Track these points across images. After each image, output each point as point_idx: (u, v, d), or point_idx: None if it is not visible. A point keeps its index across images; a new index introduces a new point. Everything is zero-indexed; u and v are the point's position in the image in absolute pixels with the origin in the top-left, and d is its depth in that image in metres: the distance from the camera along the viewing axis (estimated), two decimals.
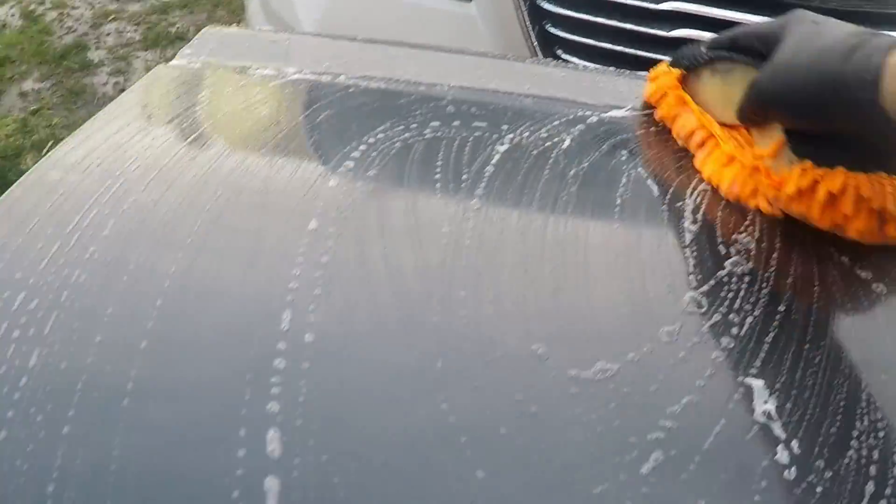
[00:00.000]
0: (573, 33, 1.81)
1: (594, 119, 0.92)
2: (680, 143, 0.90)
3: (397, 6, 1.92)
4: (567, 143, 0.86)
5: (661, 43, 1.79)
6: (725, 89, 0.86)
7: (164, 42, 3.81)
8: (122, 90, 3.44)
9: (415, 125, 0.86)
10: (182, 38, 3.80)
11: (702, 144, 0.87)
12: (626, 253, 0.71)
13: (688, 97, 0.92)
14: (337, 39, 1.10)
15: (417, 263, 0.66)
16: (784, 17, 0.79)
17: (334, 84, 0.94)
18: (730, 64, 0.86)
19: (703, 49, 0.91)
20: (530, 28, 1.81)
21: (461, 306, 0.62)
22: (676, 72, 0.94)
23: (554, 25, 1.82)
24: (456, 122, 0.87)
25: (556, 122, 0.89)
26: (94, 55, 3.80)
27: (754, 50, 0.82)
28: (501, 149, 0.83)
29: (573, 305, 0.64)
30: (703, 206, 0.79)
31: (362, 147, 0.81)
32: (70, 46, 3.84)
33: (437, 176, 0.78)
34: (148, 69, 3.59)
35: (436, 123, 0.86)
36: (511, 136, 0.86)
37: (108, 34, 3.92)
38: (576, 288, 0.66)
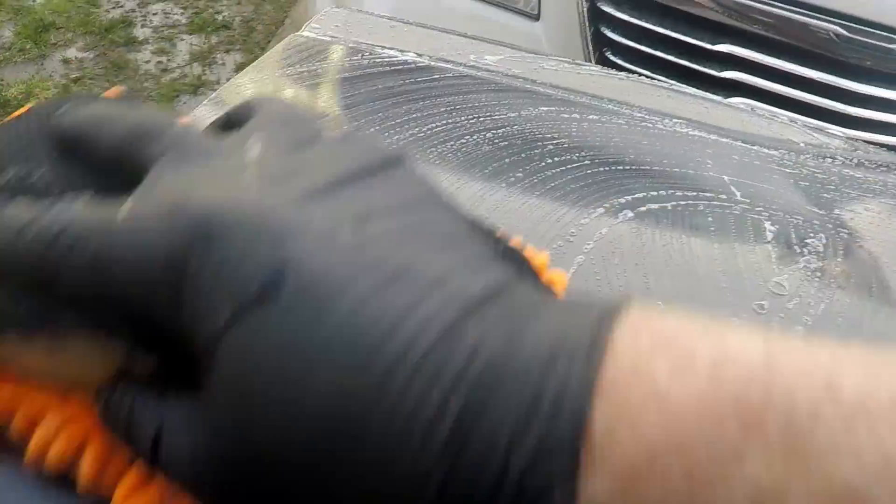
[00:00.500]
0: (634, 64, 1.95)
1: None
2: None
3: (466, 17, 2.05)
4: None
5: (708, 80, 1.93)
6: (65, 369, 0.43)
7: (210, 28, 3.92)
8: (165, 70, 3.56)
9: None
10: (227, 27, 3.91)
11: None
12: None
13: None
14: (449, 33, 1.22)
15: None
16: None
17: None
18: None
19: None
20: (591, 53, 1.95)
21: None
22: None
23: (614, 54, 1.96)
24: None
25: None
26: (140, 32, 3.92)
27: None
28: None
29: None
30: None
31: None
32: (116, 21, 3.95)
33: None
34: (192, 52, 3.70)
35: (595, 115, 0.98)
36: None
37: (155, 14, 4.04)
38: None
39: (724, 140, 1.00)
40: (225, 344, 0.31)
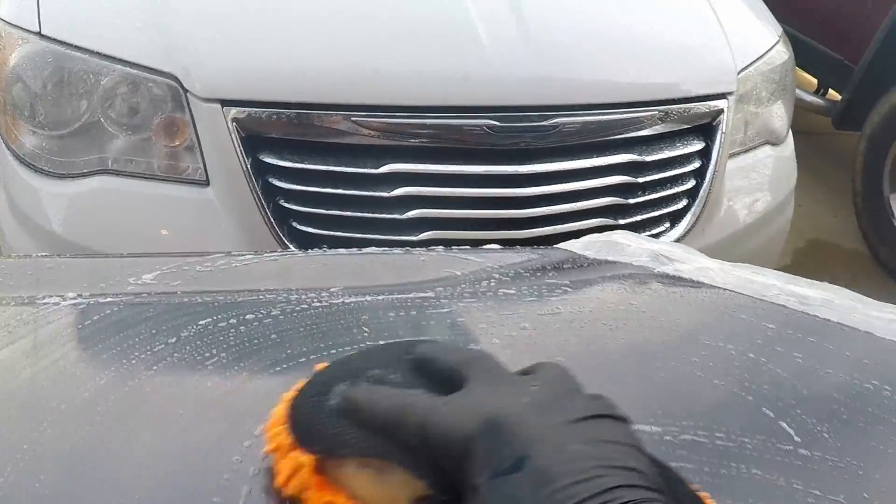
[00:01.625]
0: (307, 206, 1.99)
1: None
2: None
3: (141, 198, 2.04)
4: None
5: (386, 203, 2.00)
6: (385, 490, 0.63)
7: None
8: None
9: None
10: None
11: None
12: None
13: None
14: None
15: None
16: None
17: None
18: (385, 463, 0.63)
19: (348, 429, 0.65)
20: (265, 204, 1.98)
21: None
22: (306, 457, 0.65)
23: (287, 200, 2.00)
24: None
25: None
26: None
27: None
28: None
29: None
30: None
31: None
32: None
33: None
34: None
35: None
36: None
37: None
38: None
39: (379, 298, 1.05)
40: (488, 488, 0.55)
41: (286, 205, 2.00)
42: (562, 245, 1.35)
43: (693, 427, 0.86)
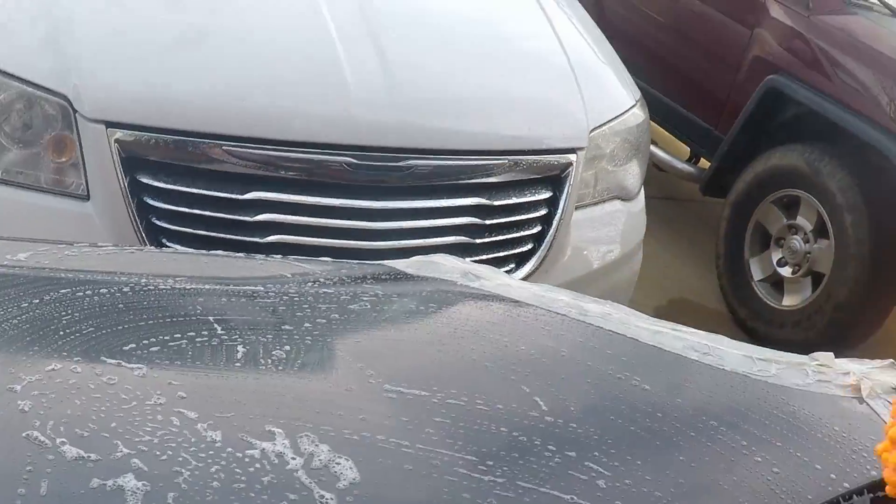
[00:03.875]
0: (176, 224, 2.19)
1: None
2: None
3: (26, 208, 2.20)
4: None
5: (249, 227, 2.21)
6: None
7: None
8: None
9: None
10: None
11: None
12: None
13: None
14: None
15: None
16: None
17: None
18: None
19: None
20: (138, 221, 2.17)
21: None
22: None
23: (159, 218, 2.19)
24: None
25: None
26: None
27: None
28: None
29: None
30: None
31: None
32: None
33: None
34: None
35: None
36: None
37: None
38: None
39: (215, 287, 1.27)
40: None
41: (157, 222, 2.18)
42: (388, 262, 1.59)
43: (457, 394, 1.08)
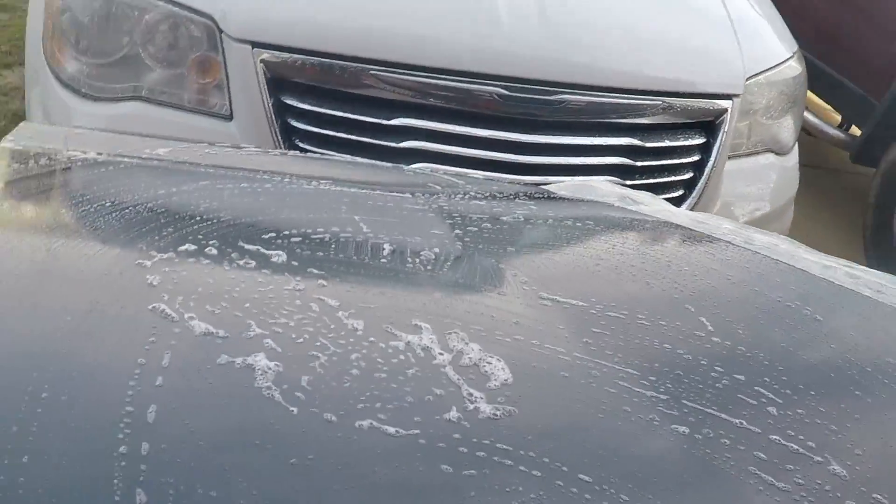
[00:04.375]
0: (320, 147, 2.14)
1: None
2: None
3: (169, 126, 2.18)
4: None
5: (393, 155, 2.14)
6: None
7: None
8: None
9: None
10: None
11: None
12: None
13: None
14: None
15: None
16: None
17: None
18: None
19: None
20: (282, 143, 2.13)
21: None
22: None
23: (302, 141, 2.14)
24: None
25: None
26: None
27: None
28: None
29: None
30: None
31: None
32: None
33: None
34: None
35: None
36: None
37: None
38: None
39: (362, 191, 1.19)
40: None
41: (301, 144, 2.14)
42: (541, 186, 1.49)
43: (617, 307, 0.98)
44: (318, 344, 0.74)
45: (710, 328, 0.98)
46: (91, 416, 0.64)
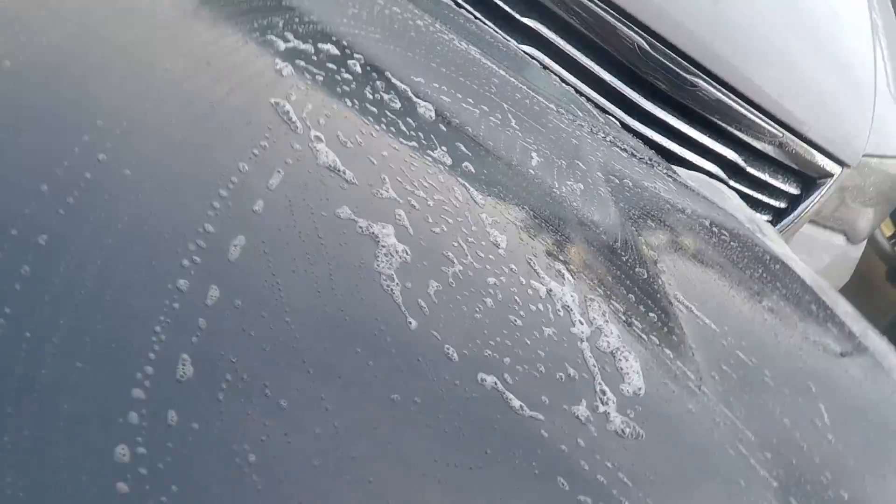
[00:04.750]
0: None
1: None
2: None
3: None
4: None
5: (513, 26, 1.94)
6: None
7: None
8: None
9: None
10: None
11: None
12: None
13: None
14: None
15: None
16: None
17: None
18: None
19: None
20: None
21: None
22: None
23: None
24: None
25: None
26: None
27: None
28: None
29: None
30: None
31: None
32: None
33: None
34: None
35: None
36: None
37: None
38: None
39: (512, 79, 1.00)
40: None
41: None
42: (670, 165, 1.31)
43: (746, 350, 0.81)
44: (455, 245, 0.56)
45: (826, 421, 0.82)
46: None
